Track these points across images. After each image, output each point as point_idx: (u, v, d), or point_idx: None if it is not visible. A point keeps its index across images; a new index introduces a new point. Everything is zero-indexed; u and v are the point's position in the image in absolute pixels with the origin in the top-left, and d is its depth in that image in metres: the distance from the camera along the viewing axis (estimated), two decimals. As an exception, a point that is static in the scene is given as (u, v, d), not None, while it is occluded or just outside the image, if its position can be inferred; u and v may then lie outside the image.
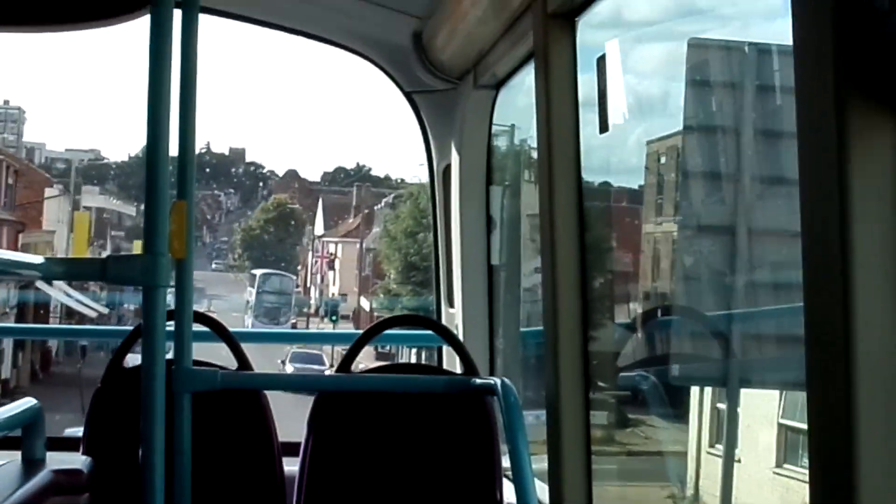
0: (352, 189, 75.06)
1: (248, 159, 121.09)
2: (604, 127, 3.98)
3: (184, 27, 3.42)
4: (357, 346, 4.13)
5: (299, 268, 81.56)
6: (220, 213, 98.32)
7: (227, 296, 65.00)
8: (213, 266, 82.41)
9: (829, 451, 1.88)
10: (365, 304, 59.22)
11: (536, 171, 4.14)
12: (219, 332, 4.36)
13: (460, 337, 4.83)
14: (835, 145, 1.79)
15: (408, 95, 5.19)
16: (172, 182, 3.24)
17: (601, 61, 4.03)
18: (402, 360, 26.70)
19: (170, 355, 3.38)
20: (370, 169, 66.44)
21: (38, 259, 3.73)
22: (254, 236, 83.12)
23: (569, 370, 3.69)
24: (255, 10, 5.06)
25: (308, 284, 76.89)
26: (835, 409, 1.83)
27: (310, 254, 77.52)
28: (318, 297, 71.64)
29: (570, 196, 3.73)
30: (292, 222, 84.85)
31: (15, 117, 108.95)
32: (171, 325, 3.37)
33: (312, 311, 69.21)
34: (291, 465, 4.12)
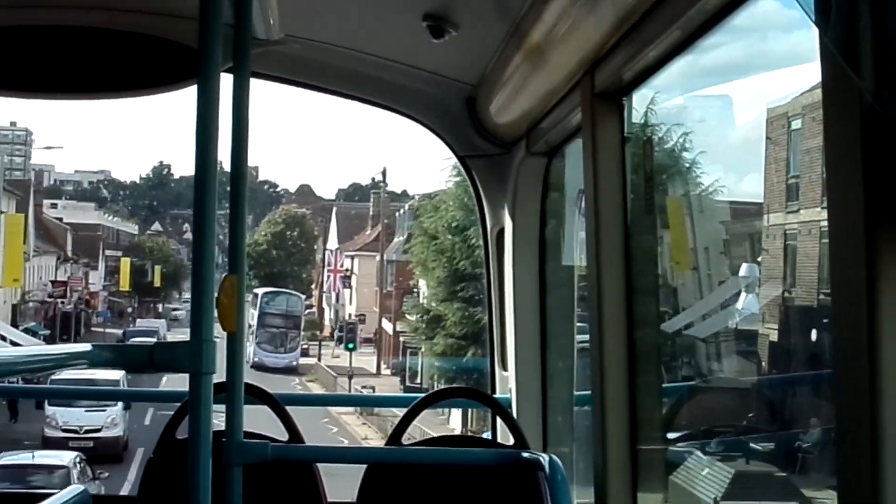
0: (367, 203, 72.55)
1: (261, 178, 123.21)
2: (649, 208, 4.49)
3: (235, 93, 3.62)
4: (408, 417, 4.59)
5: (312, 287, 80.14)
6: None
7: None
8: None
9: None
10: (387, 326, 56.21)
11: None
12: (270, 404, 4.73)
13: (514, 402, 5.38)
14: (864, 283, 2.05)
15: (461, 159, 5.71)
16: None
17: (647, 144, 4.57)
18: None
19: (221, 426, 3.62)
20: (386, 185, 64.61)
21: (86, 347, 3.92)
22: (260, 252, 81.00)
23: (616, 438, 4.02)
24: (308, 75, 5.52)
25: (322, 304, 75.18)
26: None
27: (323, 269, 75.83)
28: (334, 318, 69.32)
29: (617, 271, 4.10)
30: (302, 234, 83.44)
31: (22, 139, 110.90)
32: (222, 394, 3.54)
33: (327, 333, 67.15)
34: None
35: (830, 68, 2.18)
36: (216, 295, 3.39)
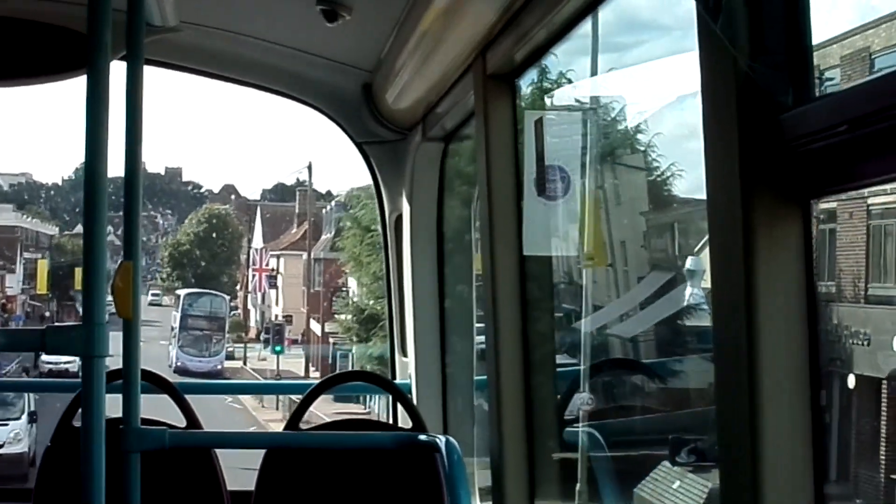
0: (293, 203, 71.77)
1: (184, 178, 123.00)
2: (541, 189, 4.61)
3: (129, 81, 3.60)
4: (306, 402, 4.66)
5: (237, 287, 79.35)
6: (157, 235, 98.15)
7: (159, 321, 61.14)
8: (151, 291, 79.87)
9: None
10: (316, 327, 55.49)
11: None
12: (167, 390, 4.79)
13: (413, 387, 5.47)
14: (741, 239, 2.11)
15: (359, 146, 5.78)
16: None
17: (538, 124, 4.69)
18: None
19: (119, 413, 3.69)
20: (312, 183, 63.94)
21: None
22: (183, 252, 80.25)
23: (511, 422, 4.17)
24: (203, 62, 5.57)
25: (248, 305, 74.46)
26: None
27: (248, 269, 75.01)
28: (260, 319, 68.63)
29: (510, 252, 4.23)
30: (227, 233, 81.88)
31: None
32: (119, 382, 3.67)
33: (253, 335, 66.07)
34: None
35: (707, 39, 2.25)
36: (112, 280, 3.40)
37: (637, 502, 5.52)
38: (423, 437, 4.37)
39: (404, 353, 5.88)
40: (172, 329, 56.81)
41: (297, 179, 73.91)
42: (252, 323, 71.00)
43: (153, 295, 77.91)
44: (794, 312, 2.15)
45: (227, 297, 65.43)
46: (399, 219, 5.85)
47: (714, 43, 2.18)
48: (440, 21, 4.19)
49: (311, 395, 4.72)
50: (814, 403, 2.17)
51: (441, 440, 4.12)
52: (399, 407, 5.31)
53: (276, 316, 63.90)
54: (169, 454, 4.08)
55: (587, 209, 5.53)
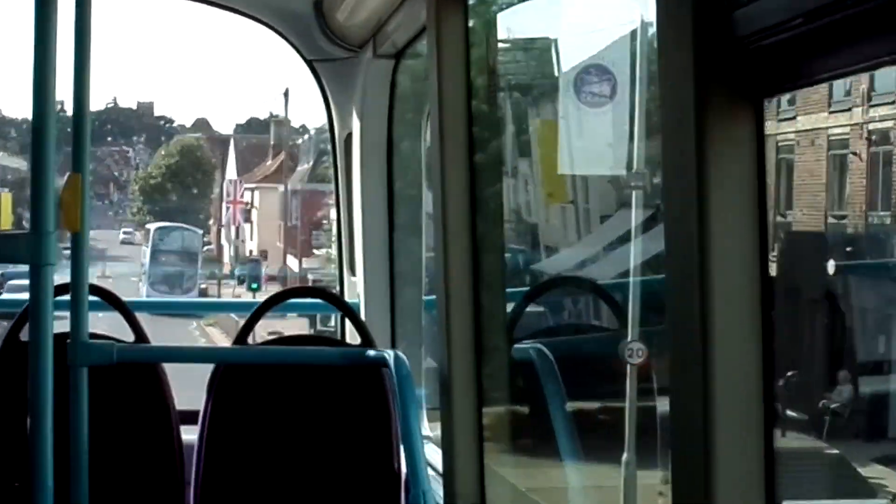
0: (267, 134, 71.19)
1: (156, 113, 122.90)
2: (491, 102, 4.70)
3: None
4: (254, 317, 4.74)
5: (210, 222, 78.44)
6: (129, 170, 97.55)
7: (129, 257, 60.98)
8: (123, 228, 79.23)
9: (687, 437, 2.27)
10: (293, 263, 54.58)
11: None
12: (114, 303, 4.88)
13: (362, 305, 5.57)
14: (693, 139, 2.15)
15: (309, 64, 5.86)
16: (68, 151, 3.57)
17: (491, 38, 4.75)
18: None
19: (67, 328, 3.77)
20: (287, 112, 63.23)
21: None
22: (154, 185, 79.85)
23: (460, 339, 4.25)
24: None
25: (221, 241, 73.47)
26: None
27: (222, 203, 74.06)
28: (234, 255, 67.81)
29: (461, 169, 4.28)
30: (199, 165, 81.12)
31: None
32: (67, 297, 3.76)
33: (227, 271, 64.36)
34: (190, 434, 4.69)
35: None
36: (59, 192, 3.51)
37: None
38: (371, 352, 4.48)
39: (353, 272, 5.99)
40: (143, 265, 55.85)
41: (271, 113, 72.81)
42: (226, 259, 70.27)
43: (125, 233, 77.18)
44: (747, 212, 2.19)
45: (201, 232, 64.42)
46: (349, 138, 5.94)
47: None
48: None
49: (260, 310, 4.81)
50: (764, 298, 2.22)
51: (390, 355, 4.25)
52: (348, 325, 5.43)
53: (251, 252, 63.06)
54: (117, 370, 4.18)
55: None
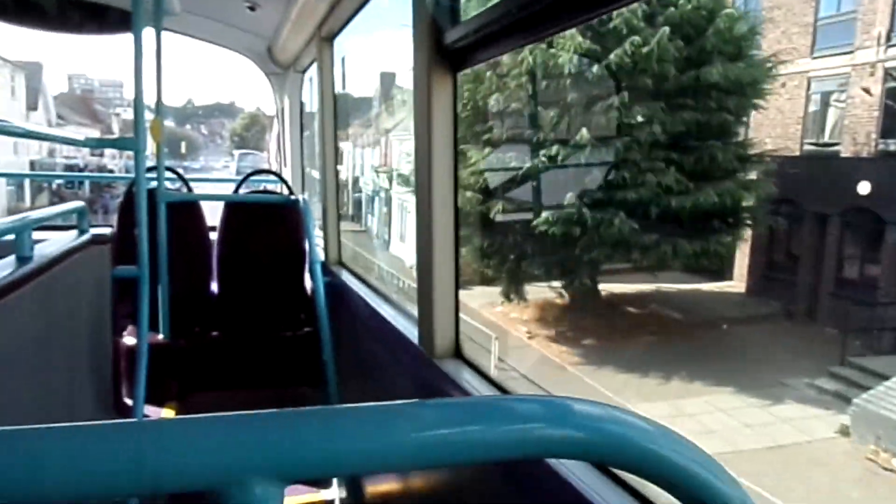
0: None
1: (236, 104, 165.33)
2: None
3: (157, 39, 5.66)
4: (241, 183, 7.63)
5: (265, 152, 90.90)
6: (225, 130, 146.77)
7: (228, 169, 78.78)
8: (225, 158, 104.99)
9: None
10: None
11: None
12: (176, 174, 7.41)
13: (289, 178, 8.49)
14: (426, 95, 3.29)
15: (266, 75, 8.74)
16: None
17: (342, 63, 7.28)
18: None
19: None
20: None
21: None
22: (238, 134, 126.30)
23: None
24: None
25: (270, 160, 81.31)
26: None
27: (270, 142, 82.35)
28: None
29: (331, 142, 6.40)
30: (257, 125, 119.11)
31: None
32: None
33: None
34: (212, 235, 7.26)
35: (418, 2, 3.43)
36: (150, 124, 5.21)
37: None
38: (293, 197, 6.81)
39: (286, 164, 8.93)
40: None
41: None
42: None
43: (225, 160, 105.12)
44: (448, 136, 3.40)
45: (264, 154, 78.48)
46: (282, 111, 8.90)
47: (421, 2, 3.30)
48: (288, 26, 6.56)
49: (243, 180, 7.77)
50: (455, 190, 3.50)
51: (301, 198, 6.62)
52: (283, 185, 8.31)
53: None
54: (178, 205, 6.49)
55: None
